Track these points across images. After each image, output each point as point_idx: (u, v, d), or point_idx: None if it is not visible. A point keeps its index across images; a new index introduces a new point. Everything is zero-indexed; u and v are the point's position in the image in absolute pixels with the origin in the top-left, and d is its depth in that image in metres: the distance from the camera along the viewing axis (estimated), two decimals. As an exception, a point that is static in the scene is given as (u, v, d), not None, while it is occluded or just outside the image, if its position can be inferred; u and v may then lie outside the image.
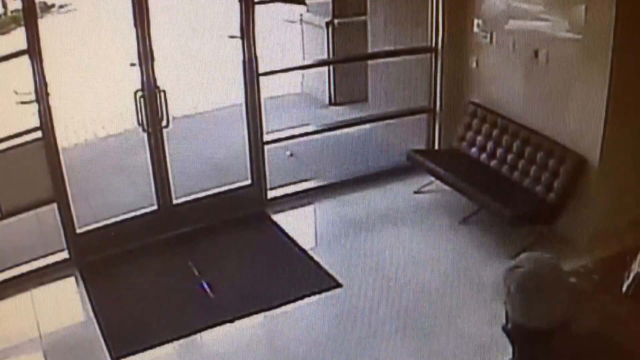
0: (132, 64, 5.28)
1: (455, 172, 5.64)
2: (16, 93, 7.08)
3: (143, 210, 5.61)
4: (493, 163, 5.73)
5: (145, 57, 5.18)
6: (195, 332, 4.62)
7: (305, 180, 6.32)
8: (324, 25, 7.92)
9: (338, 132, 6.54)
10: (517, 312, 1.86)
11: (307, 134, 6.37)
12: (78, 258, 5.32)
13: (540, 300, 1.83)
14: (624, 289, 3.89)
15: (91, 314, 4.80)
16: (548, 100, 5.37)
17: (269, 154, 5.92)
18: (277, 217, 5.87)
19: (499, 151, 5.71)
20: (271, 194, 6.04)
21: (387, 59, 6.81)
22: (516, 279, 1.86)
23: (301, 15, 8.39)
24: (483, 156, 5.82)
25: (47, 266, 5.25)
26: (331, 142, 6.58)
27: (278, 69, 6.05)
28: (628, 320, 3.94)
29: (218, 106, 7.88)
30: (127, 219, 5.55)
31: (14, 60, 4.83)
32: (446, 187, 5.64)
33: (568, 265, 4.45)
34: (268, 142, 5.90)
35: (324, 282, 5.03)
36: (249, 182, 5.94)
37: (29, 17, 4.74)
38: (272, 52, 6.29)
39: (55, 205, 5.20)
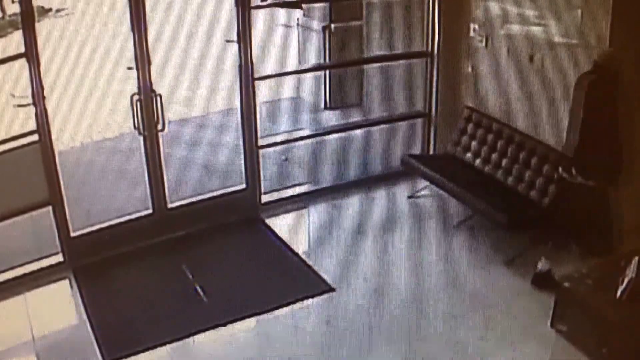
0: (129, 68, 5.28)
1: (450, 177, 5.64)
2: (13, 96, 7.08)
3: (138, 214, 5.60)
4: (488, 168, 5.74)
5: (142, 60, 5.18)
6: (188, 336, 4.61)
7: (300, 185, 6.32)
8: (320, 29, 7.93)
9: (333, 136, 6.54)
10: None
11: (301, 138, 6.36)
12: (72, 261, 5.31)
13: None
14: (619, 294, 3.88)
15: (84, 317, 4.79)
16: (543, 105, 5.38)
17: (263, 158, 5.92)
18: (271, 221, 5.87)
19: (493, 156, 5.72)
20: (265, 198, 6.04)
21: (383, 64, 6.83)
22: None
23: (298, 19, 8.40)
24: (478, 161, 5.83)
25: (42, 269, 5.24)
26: (326, 146, 6.58)
27: (274, 73, 6.05)
28: (622, 325, 3.94)
29: (213, 110, 7.89)
30: (121, 223, 5.54)
31: (11, 64, 4.82)
32: (441, 192, 5.64)
33: (563, 270, 4.49)
34: (263, 147, 5.90)
35: (317, 286, 5.02)
36: (243, 186, 5.94)
37: (27, 21, 4.74)
38: (268, 57, 6.30)
39: (50, 208, 5.20)
